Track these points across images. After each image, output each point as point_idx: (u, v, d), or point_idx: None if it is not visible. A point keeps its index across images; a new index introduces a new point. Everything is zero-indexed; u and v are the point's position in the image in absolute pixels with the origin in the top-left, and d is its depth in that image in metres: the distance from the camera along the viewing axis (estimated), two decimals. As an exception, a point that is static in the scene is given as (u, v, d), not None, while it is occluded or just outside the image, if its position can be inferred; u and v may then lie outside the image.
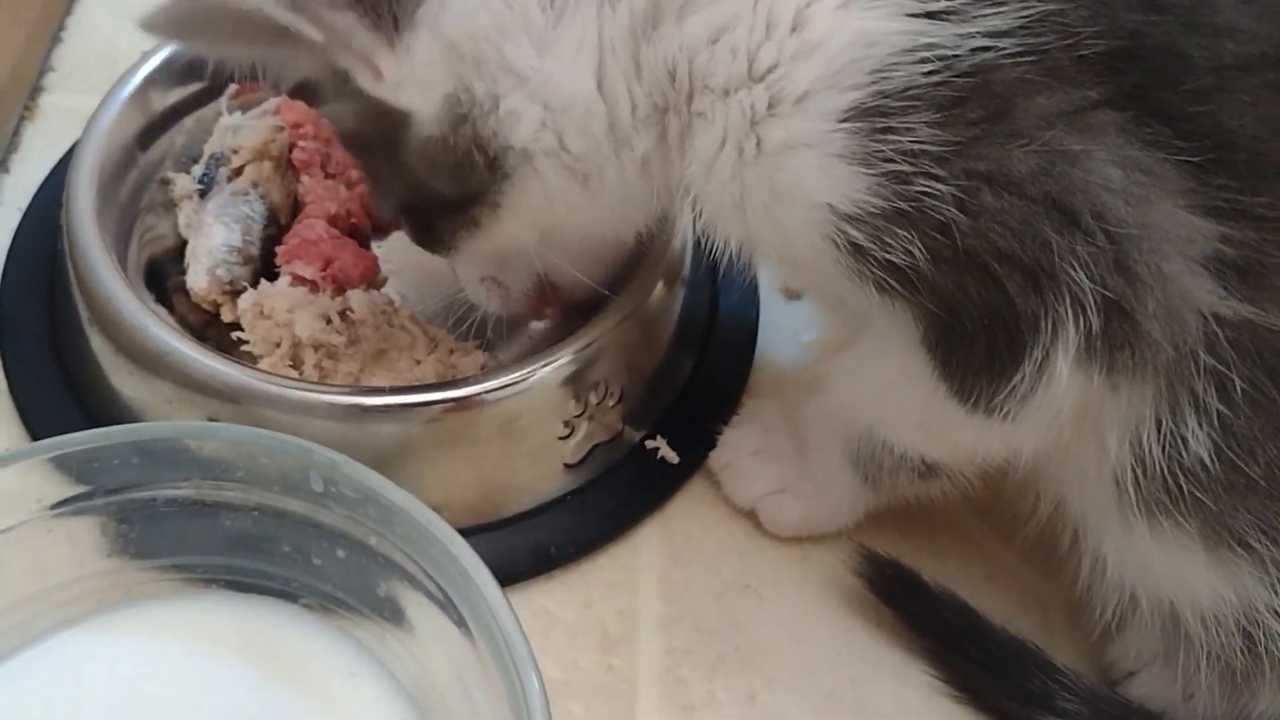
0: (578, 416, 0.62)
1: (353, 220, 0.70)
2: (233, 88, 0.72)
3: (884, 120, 0.46)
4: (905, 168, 0.45)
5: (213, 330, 0.67)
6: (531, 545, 0.63)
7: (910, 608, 0.62)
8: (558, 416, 0.62)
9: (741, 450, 0.65)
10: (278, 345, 0.64)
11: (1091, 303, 0.46)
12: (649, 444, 0.66)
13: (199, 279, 0.66)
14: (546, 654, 0.60)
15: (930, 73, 0.45)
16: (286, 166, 0.70)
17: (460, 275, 0.63)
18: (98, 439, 0.52)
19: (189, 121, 0.72)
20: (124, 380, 0.62)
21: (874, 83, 0.46)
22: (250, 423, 0.58)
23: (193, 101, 0.72)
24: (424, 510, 0.51)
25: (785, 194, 0.49)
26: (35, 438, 0.64)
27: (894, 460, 0.59)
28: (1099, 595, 0.58)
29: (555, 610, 0.62)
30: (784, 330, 0.73)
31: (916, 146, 0.45)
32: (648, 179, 0.53)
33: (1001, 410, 0.51)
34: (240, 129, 0.70)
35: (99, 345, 0.62)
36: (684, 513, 0.65)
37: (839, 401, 0.60)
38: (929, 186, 0.46)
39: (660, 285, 0.66)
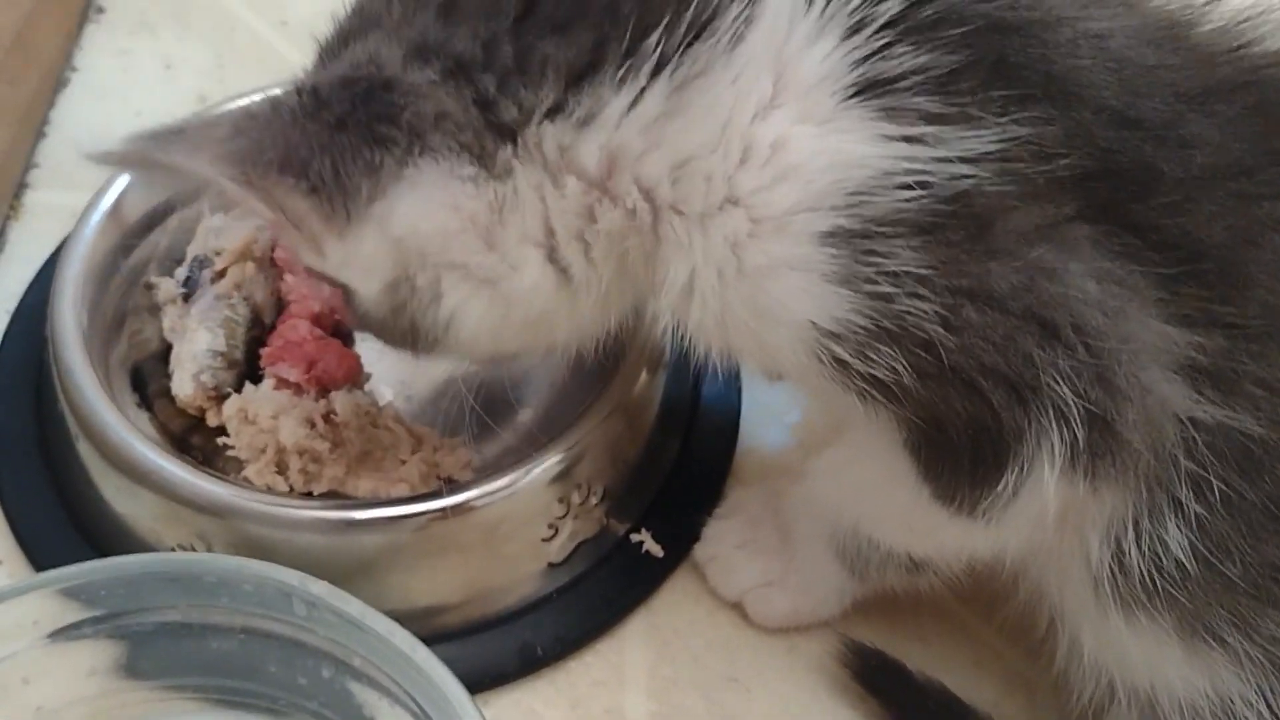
0: (562, 518, 0.63)
1: (336, 318, 0.71)
2: (215, 187, 0.73)
3: (866, 243, 0.46)
4: (888, 289, 0.46)
5: (198, 435, 0.67)
6: (518, 646, 0.63)
7: (896, 698, 0.62)
8: (543, 519, 0.63)
9: (726, 543, 0.66)
10: (263, 451, 0.64)
11: (1075, 415, 0.47)
12: (633, 538, 0.66)
13: (184, 386, 0.67)
14: (536, 755, 0.61)
15: (910, 197, 0.45)
16: (270, 266, 0.71)
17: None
18: (90, 573, 0.53)
19: (173, 222, 0.72)
20: (113, 495, 0.62)
21: (854, 205, 0.46)
22: (238, 537, 0.59)
23: (174, 202, 0.72)
24: (405, 636, 0.52)
25: (767, 313, 0.49)
26: (25, 548, 0.65)
27: (881, 556, 0.59)
28: (1077, 680, 0.59)
29: (542, 711, 0.62)
30: (768, 411, 0.73)
31: (899, 268, 0.46)
32: (607, 304, 0.53)
33: (985, 514, 0.51)
34: (222, 230, 0.71)
35: (88, 459, 0.63)
36: (670, 606, 0.66)
37: (823, 499, 0.60)
38: (912, 306, 0.46)
39: (644, 373, 0.66)
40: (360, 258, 0.51)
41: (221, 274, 0.70)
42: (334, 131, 0.48)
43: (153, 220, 0.72)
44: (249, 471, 0.64)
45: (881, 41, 0.46)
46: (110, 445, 0.61)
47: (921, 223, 0.46)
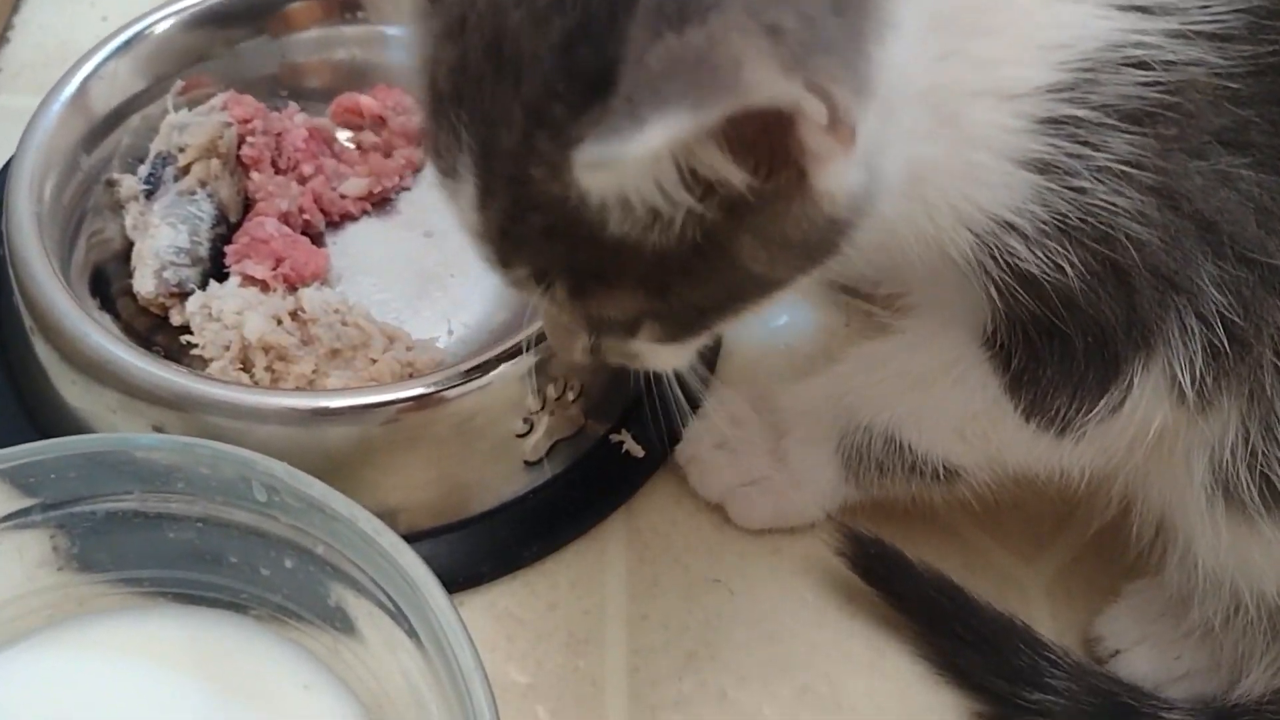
0: (536, 413, 0.61)
1: (305, 218, 0.69)
2: (179, 84, 0.71)
3: (1080, 131, 0.43)
4: (1087, 182, 0.43)
5: (162, 334, 0.65)
6: (494, 546, 0.61)
7: (893, 586, 0.60)
8: (516, 414, 0.60)
9: (707, 443, 0.63)
10: (227, 348, 0.62)
11: (1212, 325, 0.45)
12: (613, 438, 0.64)
13: (145, 282, 0.64)
14: (511, 657, 0.59)
15: (1138, 80, 0.42)
16: (235, 163, 0.69)
17: None
18: (33, 453, 0.51)
19: (135, 120, 0.70)
20: (69, 389, 0.60)
21: (1074, 87, 0.42)
22: (198, 430, 0.57)
23: (139, 100, 0.70)
24: (370, 519, 0.49)
25: (953, 190, 0.45)
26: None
27: (903, 461, 0.57)
28: (1197, 592, 0.56)
29: (519, 612, 0.60)
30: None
31: (1108, 161, 0.43)
32: None
33: (1075, 431, 0.49)
34: (187, 126, 0.68)
35: (43, 353, 0.61)
36: (650, 508, 0.64)
37: (855, 395, 0.57)
38: (1110, 202, 0.43)
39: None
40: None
41: (186, 170, 0.68)
42: None
43: (115, 117, 0.70)
44: (213, 369, 0.62)
45: None
46: (66, 336, 0.58)
47: (1141, 111, 0.42)
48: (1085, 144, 0.43)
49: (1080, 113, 0.42)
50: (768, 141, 0.36)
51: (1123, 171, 0.43)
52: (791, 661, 0.60)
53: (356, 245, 0.71)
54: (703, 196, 0.38)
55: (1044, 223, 0.44)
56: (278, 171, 0.69)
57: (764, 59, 0.32)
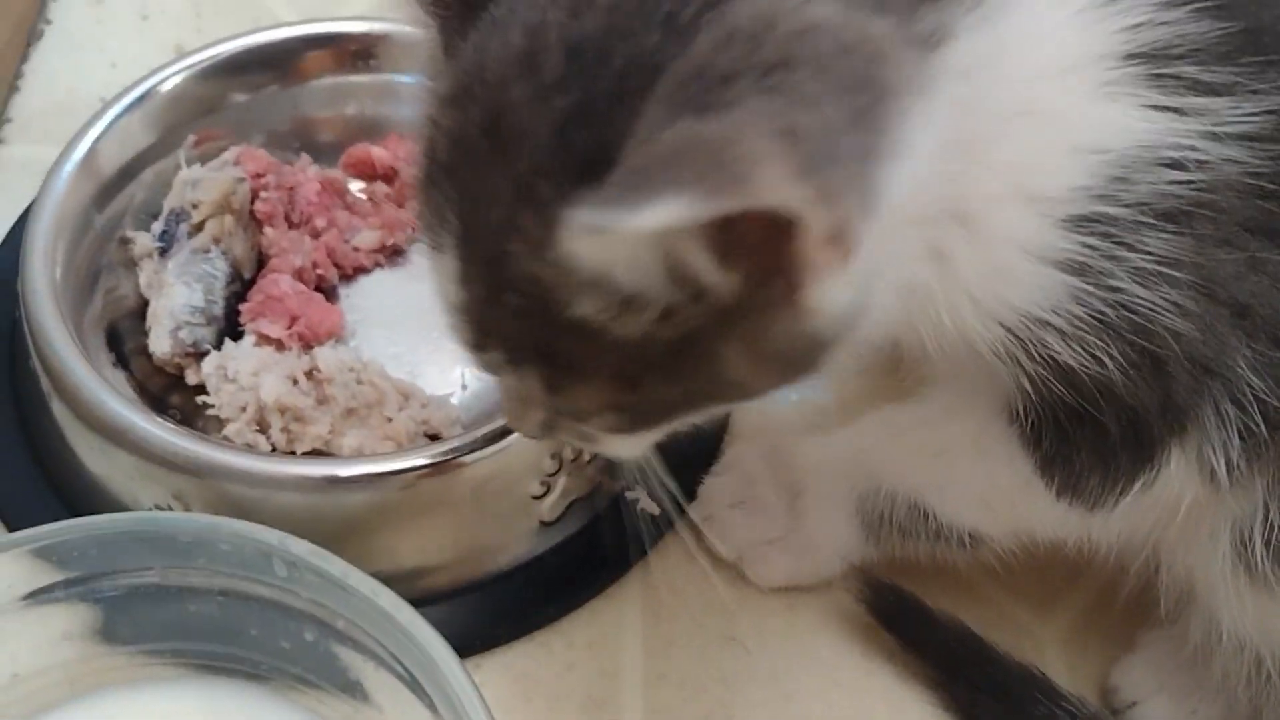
0: (553, 474, 0.61)
1: (319, 272, 0.69)
2: (191, 138, 0.71)
3: (1116, 231, 0.43)
4: (1123, 282, 0.43)
5: (177, 394, 0.65)
6: (510, 607, 0.61)
7: (913, 634, 0.60)
8: (534, 476, 0.60)
9: (722, 501, 0.63)
10: (243, 409, 0.62)
11: (1247, 407, 0.46)
12: (628, 496, 0.64)
13: (161, 343, 0.64)
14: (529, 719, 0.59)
15: (1174, 180, 0.42)
16: (249, 219, 0.69)
17: None
18: (58, 533, 0.51)
19: (148, 175, 0.70)
20: (87, 454, 0.60)
21: (1109, 187, 0.43)
22: (216, 496, 0.57)
23: (150, 154, 0.70)
24: (389, 596, 0.49)
25: (985, 295, 0.45)
26: (1, 513, 0.63)
27: (927, 528, 0.57)
28: (1219, 656, 0.56)
29: (536, 673, 0.60)
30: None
31: (1144, 262, 0.43)
32: None
33: (1105, 507, 0.50)
34: (199, 182, 0.68)
35: (62, 418, 0.61)
36: (666, 566, 0.64)
37: (874, 461, 0.57)
38: (1149, 298, 0.43)
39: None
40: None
41: (199, 227, 0.67)
42: None
43: (127, 173, 0.69)
44: (229, 431, 0.62)
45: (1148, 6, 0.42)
46: (83, 403, 0.58)
47: (1177, 210, 0.43)
48: (1120, 244, 0.43)
49: (1113, 211, 0.43)
50: (763, 247, 0.35)
51: (1159, 271, 0.43)
52: (808, 719, 0.60)
53: (370, 298, 0.71)
54: (690, 296, 0.38)
55: (1080, 320, 0.44)
56: (291, 226, 0.69)
57: (779, 161, 0.32)
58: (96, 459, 0.60)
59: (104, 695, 0.54)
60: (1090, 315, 0.44)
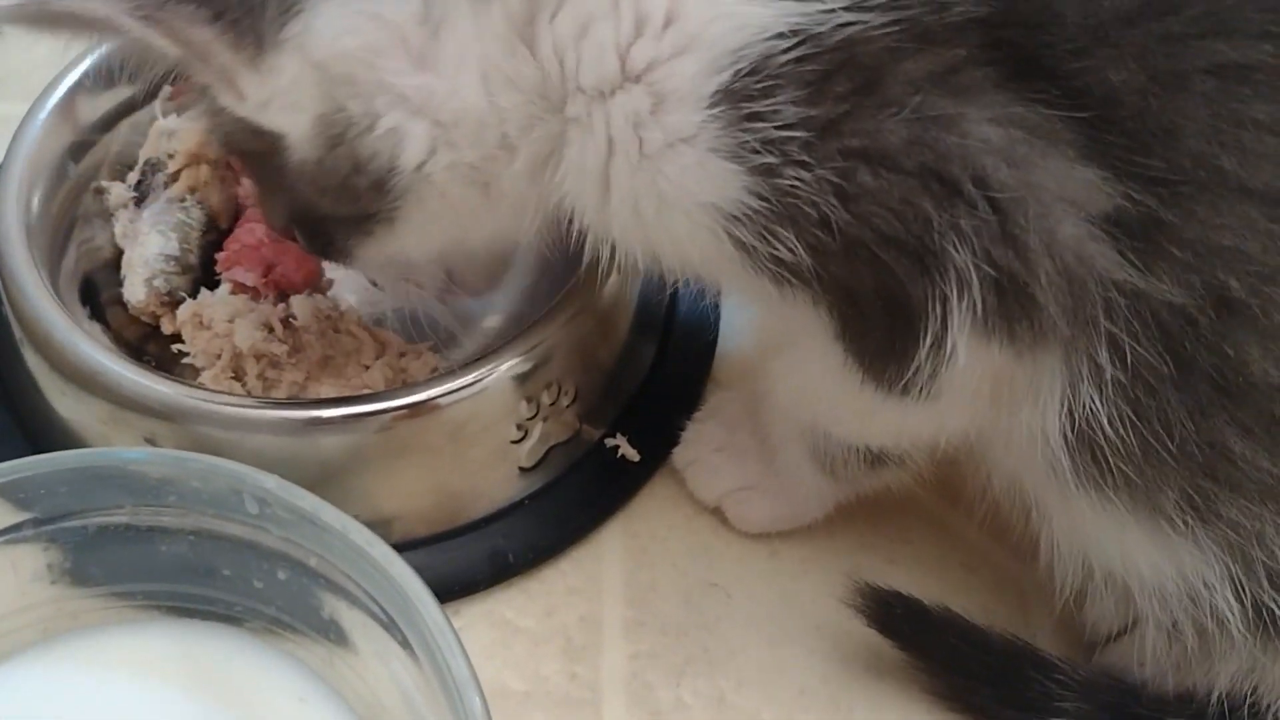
0: (530, 419, 0.60)
1: (296, 221, 0.68)
2: (168, 90, 0.70)
3: (748, 105, 0.43)
4: (772, 159, 0.43)
5: (153, 343, 0.65)
6: (489, 553, 0.61)
7: (913, 638, 0.58)
8: (511, 419, 0.60)
9: (705, 446, 0.63)
10: (218, 356, 0.62)
11: (981, 277, 0.44)
12: (609, 442, 0.64)
13: (136, 291, 0.64)
14: (508, 665, 0.59)
15: (794, 52, 0.42)
16: (225, 169, 0.68)
17: (375, 278, 0.61)
18: (25, 468, 0.50)
19: (124, 127, 0.69)
20: (59, 400, 0.60)
21: (734, 64, 0.43)
22: (190, 441, 0.57)
23: (127, 106, 0.69)
24: (362, 531, 0.49)
25: (669, 199, 0.46)
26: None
27: (844, 452, 0.57)
28: (1059, 570, 0.56)
29: (515, 619, 0.60)
30: (747, 314, 0.70)
31: (783, 133, 0.43)
32: (536, 188, 0.50)
33: (915, 390, 0.49)
34: (175, 133, 0.68)
35: (33, 364, 0.60)
36: (647, 512, 0.63)
37: (784, 401, 0.58)
38: (799, 176, 0.43)
39: (614, 275, 0.64)
40: (282, 90, 0.48)
41: (175, 177, 0.67)
42: None
43: (104, 124, 0.69)
44: (204, 378, 0.62)
45: None
46: (54, 347, 0.58)
47: (806, 76, 0.43)
48: (754, 117, 0.43)
49: (737, 85, 0.43)
50: None
51: (804, 140, 0.43)
52: (790, 664, 0.59)
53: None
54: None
55: (758, 211, 0.45)
56: (268, 176, 0.68)
57: None
58: (69, 405, 0.59)
59: (75, 638, 0.53)
60: (765, 205, 0.44)
